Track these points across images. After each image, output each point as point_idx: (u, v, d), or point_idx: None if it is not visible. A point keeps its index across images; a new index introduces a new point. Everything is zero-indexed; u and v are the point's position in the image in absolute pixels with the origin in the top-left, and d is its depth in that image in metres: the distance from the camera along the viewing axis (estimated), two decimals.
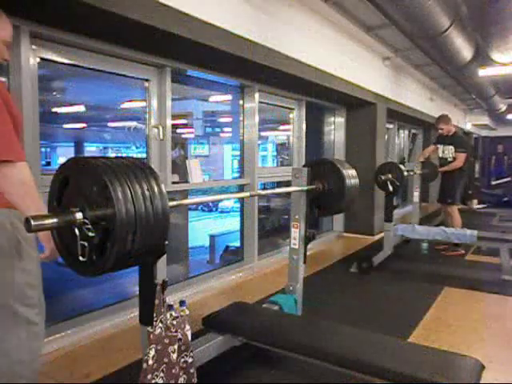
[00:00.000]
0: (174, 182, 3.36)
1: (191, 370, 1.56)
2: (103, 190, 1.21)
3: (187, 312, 1.64)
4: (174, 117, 3.30)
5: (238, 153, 4.38)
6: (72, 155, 3.44)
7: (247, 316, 2.24)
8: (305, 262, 2.64)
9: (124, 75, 3.02)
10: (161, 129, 3.16)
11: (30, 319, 1.47)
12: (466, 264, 4.54)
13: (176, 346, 1.49)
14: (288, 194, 2.94)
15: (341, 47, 4.70)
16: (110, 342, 2.58)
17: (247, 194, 2.39)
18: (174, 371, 1.48)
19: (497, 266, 4.09)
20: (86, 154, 5.02)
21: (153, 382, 1.42)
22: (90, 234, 1.23)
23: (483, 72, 5.96)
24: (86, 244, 1.24)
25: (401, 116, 7.29)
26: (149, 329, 1.46)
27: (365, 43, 5.21)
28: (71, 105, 3.85)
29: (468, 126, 12.31)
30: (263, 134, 6.06)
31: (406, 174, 4.50)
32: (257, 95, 4.14)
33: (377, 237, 5.79)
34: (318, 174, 2.61)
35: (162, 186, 1.34)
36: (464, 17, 4.18)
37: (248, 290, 3.64)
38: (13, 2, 2.05)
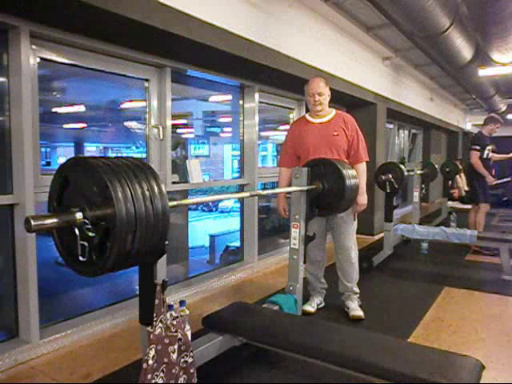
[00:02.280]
0: (174, 182, 3.36)
1: (191, 370, 1.56)
2: (103, 190, 1.21)
3: (187, 312, 1.65)
4: (173, 117, 3.30)
5: (238, 153, 4.38)
6: (72, 155, 3.43)
7: (247, 316, 2.24)
8: (305, 262, 2.65)
9: (124, 75, 3.01)
10: (161, 129, 3.16)
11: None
12: (466, 264, 4.53)
13: (176, 346, 1.49)
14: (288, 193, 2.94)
15: (341, 47, 4.70)
16: (110, 342, 2.58)
17: (247, 194, 2.39)
18: (173, 371, 1.48)
19: (497, 266, 4.09)
20: (86, 154, 5.01)
21: (153, 381, 1.42)
22: (90, 233, 1.23)
23: (483, 72, 5.96)
24: (86, 244, 1.24)
25: (401, 116, 7.28)
26: (149, 329, 1.46)
27: (365, 43, 5.21)
28: (71, 105, 3.85)
29: (468, 126, 12.31)
30: (263, 134, 6.05)
31: (406, 173, 4.50)
32: (257, 95, 4.14)
33: (377, 237, 5.79)
34: (318, 174, 2.61)
35: (162, 186, 1.34)
36: (464, 17, 4.18)
37: (248, 290, 3.64)
38: (13, 2, 2.05)
